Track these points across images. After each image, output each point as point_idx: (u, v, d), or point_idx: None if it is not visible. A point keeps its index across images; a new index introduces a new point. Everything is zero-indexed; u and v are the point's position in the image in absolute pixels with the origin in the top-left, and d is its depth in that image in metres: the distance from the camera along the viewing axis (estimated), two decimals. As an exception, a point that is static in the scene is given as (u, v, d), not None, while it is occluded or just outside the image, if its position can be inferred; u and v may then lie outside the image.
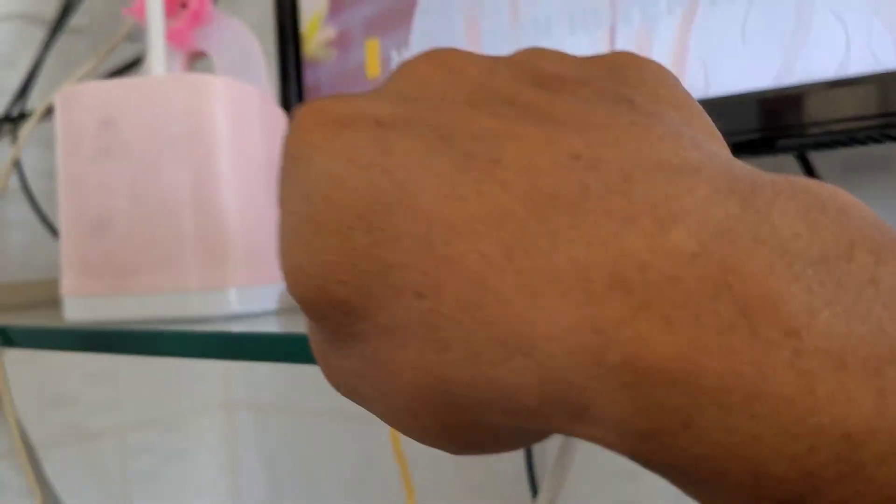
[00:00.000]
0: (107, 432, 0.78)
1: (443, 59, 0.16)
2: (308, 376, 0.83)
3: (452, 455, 0.70)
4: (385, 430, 0.74)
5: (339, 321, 0.15)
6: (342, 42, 0.55)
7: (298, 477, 0.85)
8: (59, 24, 0.70)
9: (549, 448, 0.67)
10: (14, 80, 0.70)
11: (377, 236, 0.14)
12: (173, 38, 0.47)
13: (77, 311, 0.41)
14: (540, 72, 0.16)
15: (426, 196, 0.14)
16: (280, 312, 0.43)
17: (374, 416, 0.77)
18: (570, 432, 0.13)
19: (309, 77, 0.57)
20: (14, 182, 0.70)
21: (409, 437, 0.16)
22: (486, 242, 0.13)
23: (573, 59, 0.17)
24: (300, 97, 0.58)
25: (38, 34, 0.71)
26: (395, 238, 0.14)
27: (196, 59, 0.52)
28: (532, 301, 0.13)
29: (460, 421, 0.15)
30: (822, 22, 0.37)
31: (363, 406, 0.17)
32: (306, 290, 0.15)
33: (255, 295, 0.41)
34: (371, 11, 0.53)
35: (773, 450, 0.11)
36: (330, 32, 0.56)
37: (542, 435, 0.16)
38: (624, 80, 0.16)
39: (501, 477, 0.71)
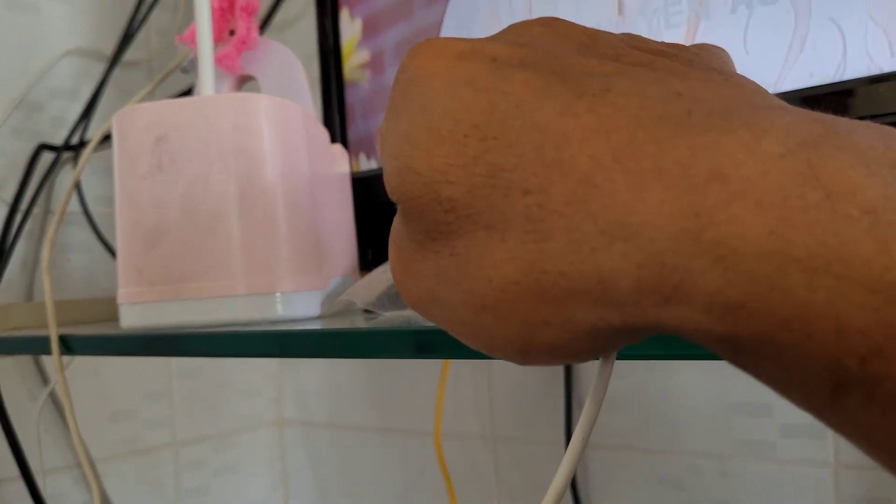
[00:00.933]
0: (162, 448, 0.80)
1: (551, 22, 0.19)
2: (355, 392, 0.85)
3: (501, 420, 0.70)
4: (430, 442, 0.75)
5: (437, 219, 0.17)
6: (375, 65, 0.58)
7: (346, 491, 0.86)
8: (116, 58, 0.74)
9: (591, 464, 0.68)
10: (76, 112, 0.74)
11: (490, 144, 0.16)
12: (222, 62, 0.50)
13: (132, 318, 0.43)
14: (637, 43, 0.19)
15: (542, 113, 0.16)
16: (323, 317, 0.45)
17: (419, 429, 0.78)
18: (655, 319, 0.15)
19: (346, 97, 0.60)
20: (75, 206, 0.73)
21: (478, 346, 0.17)
22: (595, 148, 0.15)
23: (662, 42, 0.19)
24: (342, 116, 0.60)
25: (99, 68, 0.75)
26: (507, 145, 0.16)
27: (244, 82, 0.55)
28: (637, 194, 0.14)
29: (544, 317, 0.16)
30: (819, 28, 0.38)
31: (435, 318, 0.18)
32: (413, 188, 0.17)
33: (299, 300, 0.43)
34: (401, 35, 0.56)
35: (853, 304, 0.12)
36: (364, 56, 0.59)
37: (614, 341, 0.17)
38: (710, 58, 0.19)
39: (542, 486, 0.71)
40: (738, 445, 0.60)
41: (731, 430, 0.60)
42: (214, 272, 0.41)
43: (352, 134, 0.61)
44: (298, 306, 0.43)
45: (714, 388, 0.61)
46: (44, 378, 0.71)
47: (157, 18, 0.79)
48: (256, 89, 0.52)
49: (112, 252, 0.73)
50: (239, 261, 0.41)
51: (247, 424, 0.88)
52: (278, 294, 0.42)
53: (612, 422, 0.66)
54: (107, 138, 0.63)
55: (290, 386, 0.90)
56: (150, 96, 0.57)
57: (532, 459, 0.72)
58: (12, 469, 0.62)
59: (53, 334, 0.47)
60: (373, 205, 0.53)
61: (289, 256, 0.43)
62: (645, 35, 0.45)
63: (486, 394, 0.74)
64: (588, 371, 0.67)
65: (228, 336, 0.38)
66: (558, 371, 0.68)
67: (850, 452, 0.55)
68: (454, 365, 0.76)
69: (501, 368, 0.73)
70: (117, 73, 0.75)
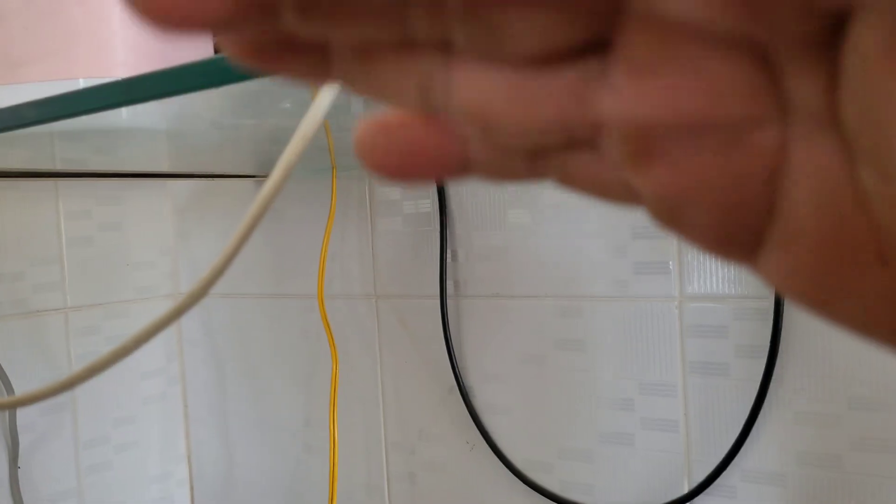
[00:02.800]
0: (52, 312, 0.81)
1: None
2: (248, 262, 0.86)
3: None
4: (316, 304, 0.77)
5: None
6: None
7: (240, 359, 0.88)
8: None
9: (463, 312, 0.71)
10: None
11: None
12: None
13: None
14: None
15: None
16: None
17: (310, 293, 0.81)
18: None
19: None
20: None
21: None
22: None
23: None
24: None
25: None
26: None
27: None
28: None
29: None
30: None
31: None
32: None
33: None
34: None
35: None
36: None
37: None
38: None
39: (421, 338, 0.74)
40: (593, 287, 0.63)
41: (581, 277, 0.64)
42: (54, 56, 0.42)
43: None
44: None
45: (570, 241, 0.64)
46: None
47: None
48: None
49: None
50: (79, 45, 0.42)
51: (141, 296, 0.89)
52: (119, 79, 0.43)
53: (482, 273, 0.69)
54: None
55: (185, 259, 0.91)
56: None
57: (411, 313, 0.74)
58: None
59: None
60: None
61: (128, 40, 0.43)
62: None
63: (369, 256, 0.76)
64: (461, 227, 0.70)
65: (69, 96, 0.39)
66: (433, 232, 0.71)
67: (693, 287, 0.59)
68: (341, 231, 0.78)
69: (383, 230, 0.75)
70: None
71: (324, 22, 0.12)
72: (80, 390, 0.83)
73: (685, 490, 0.60)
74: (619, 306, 0.62)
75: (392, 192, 0.75)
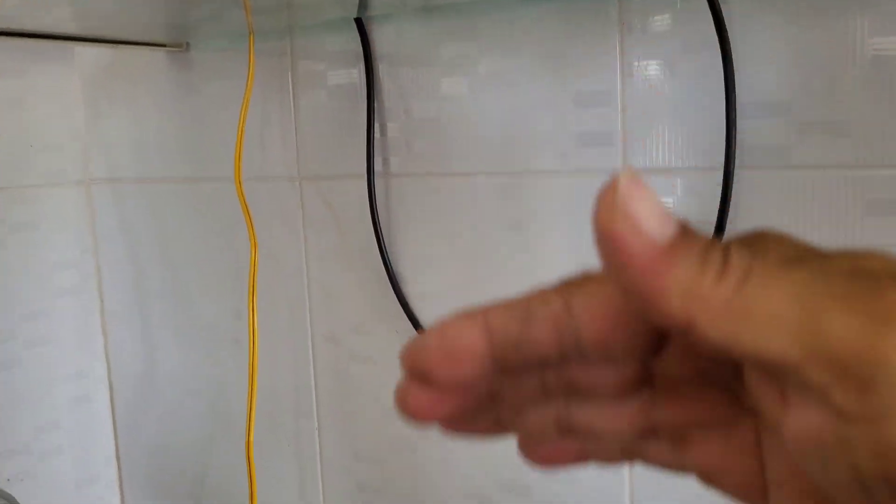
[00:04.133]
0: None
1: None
2: (162, 145, 0.79)
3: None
4: (233, 187, 0.71)
5: None
6: None
7: (156, 245, 0.82)
8: None
9: (393, 192, 0.65)
10: None
11: None
12: None
13: None
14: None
15: None
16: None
17: (228, 176, 0.75)
18: None
19: None
20: None
21: None
22: None
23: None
24: None
25: None
26: None
27: None
28: None
29: None
30: None
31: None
32: None
33: None
34: None
35: None
36: None
37: None
38: None
39: (348, 220, 0.69)
40: (534, 161, 0.58)
41: (521, 152, 0.58)
42: None
43: None
44: None
45: (509, 113, 0.59)
46: None
47: None
48: None
49: None
50: None
51: (49, 181, 0.81)
52: None
53: (415, 149, 0.63)
54: None
55: (97, 143, 0.84)
56: None
57: (337, 195, 0.69)
58: None
59: None
60: None
61: None
62: None
63: (291, 133, 0.70)
64: (391, 99, 0.64)
65: None
66: (361, 105, 0.64)
67: (639, 160, 0.54)
68: (261, 106, 0.71)
69: (306, 105, 0.69)
70: None
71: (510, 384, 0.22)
72: (-19, 281, 0.77)
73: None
74: (562, 181, 0.57)
75: (316, 63, 0.68)
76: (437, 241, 0.64)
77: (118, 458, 0.90)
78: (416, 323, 0.65)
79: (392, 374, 0.68)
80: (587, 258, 0.57)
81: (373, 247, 0.66)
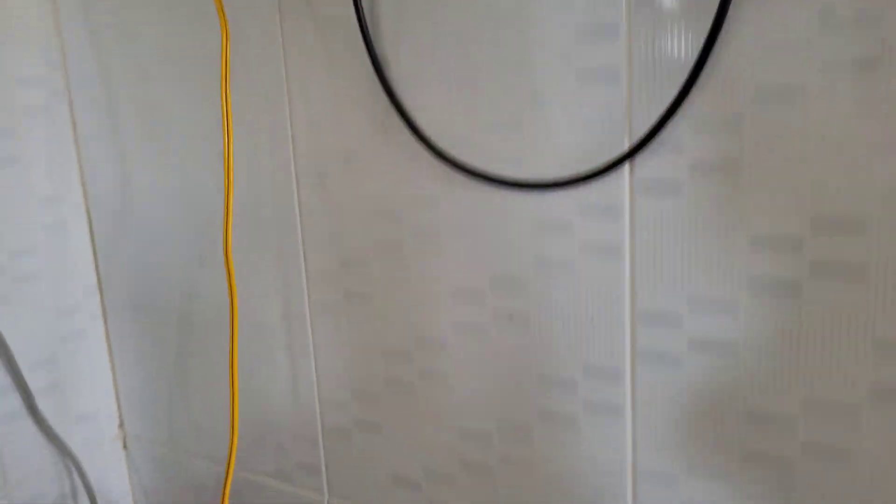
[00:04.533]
0: None
1: None
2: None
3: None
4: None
5: None
6: None
7: (127, 59, 0.77)
8: None
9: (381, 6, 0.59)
10: None
11: None
12: None
13: None
14: None
15: None
16: None
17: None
18: None
19: None
20: None
21: None
22: None
23: None
24: None
25: None
26: None
27: None
28: None
29: None
30: None
31: None
32: None
33: None
34: None
35: None
36: None
37: None
38: None
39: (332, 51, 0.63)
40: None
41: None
42: None
43: None
44: None
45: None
46: None
47: None
48: None
49: None
50: None
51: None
52: None
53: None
54: None
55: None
56: None
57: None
58: None
59: None
60: None
61: None
62: None
63: None
64: None
65: None
66: None
67: None
68: None
69: None
70: None
71: None
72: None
73: (625, 147, 0.52)
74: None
75: None
76: (422, 22, 0.58)
77: (100, 288, 0.87)
78: (402, 112, 0.60)
79: (378, 170, 0.63)
80: (588, 63, 0.51)
81: (355, 28, 0.61)
